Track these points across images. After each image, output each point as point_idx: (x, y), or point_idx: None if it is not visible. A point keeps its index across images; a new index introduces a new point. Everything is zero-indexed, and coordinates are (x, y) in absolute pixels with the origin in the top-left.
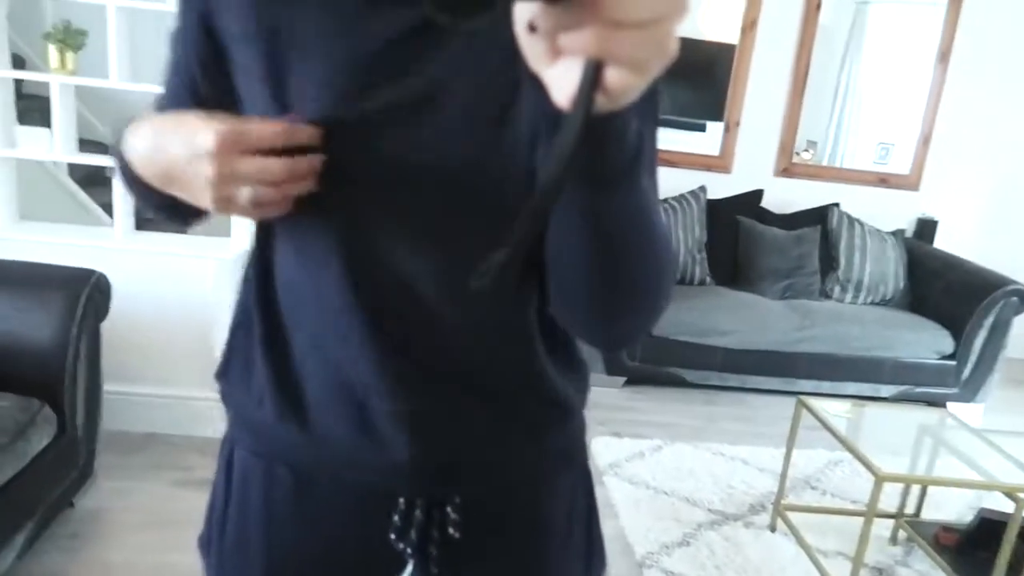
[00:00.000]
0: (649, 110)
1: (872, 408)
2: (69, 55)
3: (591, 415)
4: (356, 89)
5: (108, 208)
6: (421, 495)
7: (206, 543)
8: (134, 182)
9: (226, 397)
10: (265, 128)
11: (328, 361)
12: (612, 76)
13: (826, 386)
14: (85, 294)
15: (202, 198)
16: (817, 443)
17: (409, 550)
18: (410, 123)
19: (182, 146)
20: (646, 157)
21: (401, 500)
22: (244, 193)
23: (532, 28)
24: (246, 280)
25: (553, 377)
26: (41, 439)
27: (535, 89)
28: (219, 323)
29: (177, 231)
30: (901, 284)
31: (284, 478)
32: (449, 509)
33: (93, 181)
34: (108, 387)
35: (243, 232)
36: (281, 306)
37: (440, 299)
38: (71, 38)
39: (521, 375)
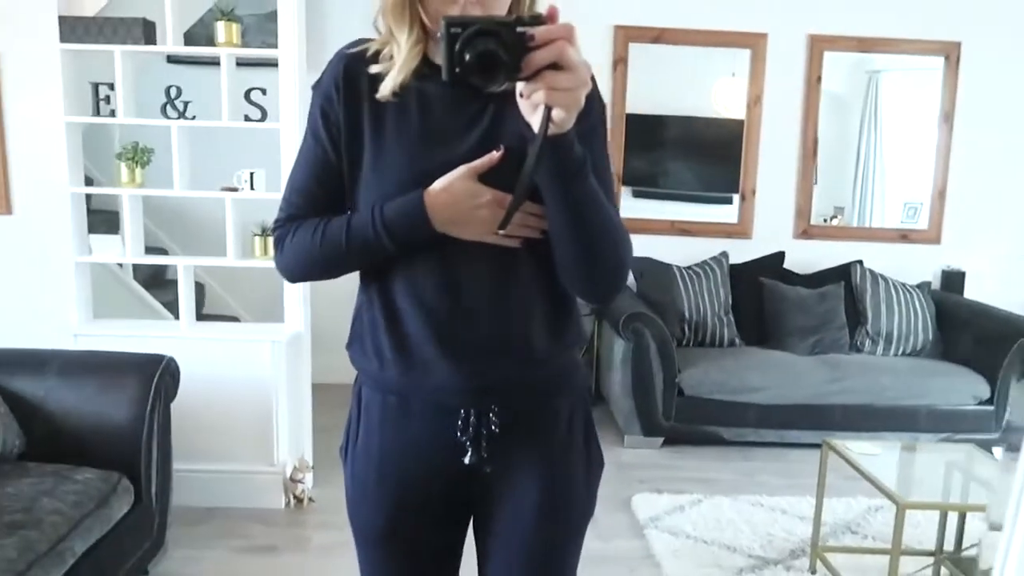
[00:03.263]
0: (594, 145)
1: (902, 450)
2: (137, 171)
3: (631, 474)
4: (436, 151)
5: (168, 306)
6: (474, 406)
7: (344, 449)
8: (368, 249)
9: (354, 360)
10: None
11: (425, 340)
12: (556, 114)
13: (864, 437)
14: (157, 376)
15: (479, 230)
16: (856, 491)
17: (468, 441)
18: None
19: (469, 200)
20: (591, 167)
21: (462, 410)
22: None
23: (521, 95)
24: (364, 291)
25: (555, 331)
26: (121, 507)
27: (527, 128)
28: (276, 400)
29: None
30: (931, 334)
31: (393, 402)
32: (491, 415)
33: (155, 282)
34: (174, 464)
35: (295, 318)
36: (396, 302)
37: (490, 290)
38: (140, 156)
39: (534, 330)
